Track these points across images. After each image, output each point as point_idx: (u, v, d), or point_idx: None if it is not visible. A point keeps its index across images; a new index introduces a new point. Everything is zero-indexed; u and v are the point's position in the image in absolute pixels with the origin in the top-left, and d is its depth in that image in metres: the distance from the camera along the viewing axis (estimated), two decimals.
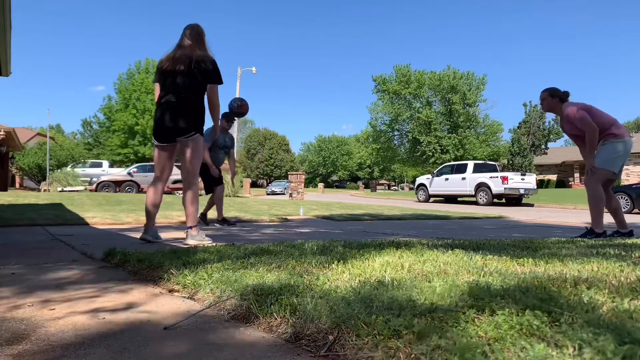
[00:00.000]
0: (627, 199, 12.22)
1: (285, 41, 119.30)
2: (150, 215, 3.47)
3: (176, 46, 3.39)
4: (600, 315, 1.06)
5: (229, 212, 7.77)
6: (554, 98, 4.33)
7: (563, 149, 43.22)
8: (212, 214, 5.87)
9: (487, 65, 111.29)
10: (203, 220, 5.56)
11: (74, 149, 26.76)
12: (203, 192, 5.50)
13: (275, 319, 1.24)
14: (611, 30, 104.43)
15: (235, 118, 5.62)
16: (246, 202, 11.86)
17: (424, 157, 37.04)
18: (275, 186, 39.34)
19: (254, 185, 51.94)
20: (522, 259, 1.98)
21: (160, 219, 6.17)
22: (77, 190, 17.72)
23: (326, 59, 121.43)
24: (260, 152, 66.45)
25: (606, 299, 1.21)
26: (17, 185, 27.65)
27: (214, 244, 3.03)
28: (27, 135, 33.79)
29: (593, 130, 4.05)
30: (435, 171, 18.90)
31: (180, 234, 4.33)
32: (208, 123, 3.60)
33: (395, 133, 40.61)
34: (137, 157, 30.28)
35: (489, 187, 15.73)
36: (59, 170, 20.56)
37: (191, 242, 3.26)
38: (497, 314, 1.06)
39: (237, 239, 3.89)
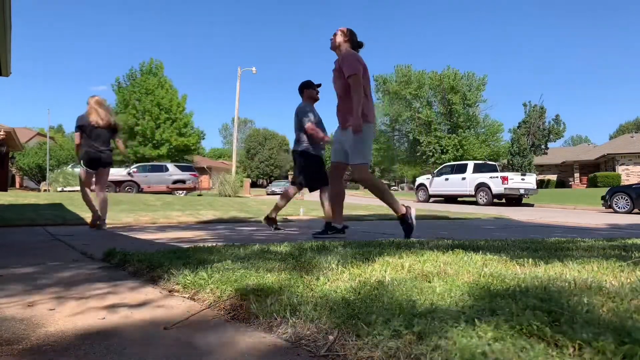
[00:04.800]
0: (627, 199, 12.05)
1: (286, 41, 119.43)
2: None
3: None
4: (600, 315, 1.06)
5: (229, 213, 7.76)
6: (345, 37, 3.78)
7: (563, 149, 43.24)
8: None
9: (487, 66, 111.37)
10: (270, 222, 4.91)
11: (74, 149, 26.73)
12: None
13: (275, 319, 1.24)
14: (611, 29, 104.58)
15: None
16: (246, 202, 11.85)
17: (424, 157, 37.06)
18: (276, 186, 39.27)
19: (254, 185, 51.92)
20: (522, 259, 1.97)
21: (160, 219, 6.17)
22: (77, 190, 17.71)
23: (327, 59, 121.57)
24: (260, 152, 66.46)
25: (606, 299, 1.21)
26: (17, 185, 27.66)
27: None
28: (27, 135, 33.78)
29: (360, 83, 3.52)
30: (435, 171, 18.92)
31: (181, 234, 4.33)
32: None
33: (395, 133, 40.64)
34: (136, 158, 30.24)
35: (489, 187, 15.73)
36: (58, 170, 20.55)
37: None
38: (497, 314, 1.06)
39: (238, 239, 3.89)
